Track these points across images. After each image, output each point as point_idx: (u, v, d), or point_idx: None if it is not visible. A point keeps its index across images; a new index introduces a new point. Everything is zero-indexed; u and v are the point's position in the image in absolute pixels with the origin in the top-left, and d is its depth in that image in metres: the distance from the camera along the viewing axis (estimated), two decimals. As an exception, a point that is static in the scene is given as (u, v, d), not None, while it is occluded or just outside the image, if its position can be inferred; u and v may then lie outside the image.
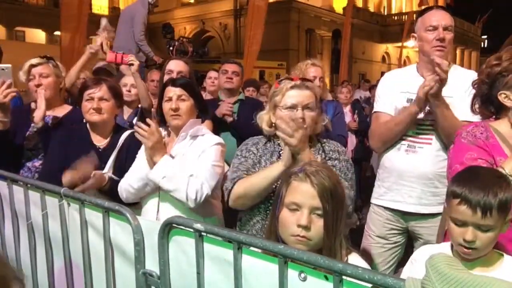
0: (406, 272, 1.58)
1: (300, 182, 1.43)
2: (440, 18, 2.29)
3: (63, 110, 2.90)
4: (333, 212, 1.40)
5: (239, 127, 3.20)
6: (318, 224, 1.40)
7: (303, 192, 1.41)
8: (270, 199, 1.82)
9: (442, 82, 2.03)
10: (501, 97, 1.73)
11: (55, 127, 2.68)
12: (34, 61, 2.82)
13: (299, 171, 1.45)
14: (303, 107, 1.87)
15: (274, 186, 1.80)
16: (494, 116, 1.84)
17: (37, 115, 2.63)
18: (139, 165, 2.18)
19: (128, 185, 2.17)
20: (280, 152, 1.96)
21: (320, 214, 1.40)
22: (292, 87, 1.91)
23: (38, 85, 2.75)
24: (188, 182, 2.03)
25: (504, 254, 1.47)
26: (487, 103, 1.83)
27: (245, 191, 1.85)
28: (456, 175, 1.47)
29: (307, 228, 1.39)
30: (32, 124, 2.68)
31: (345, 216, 1.47)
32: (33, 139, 2.70)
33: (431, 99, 2.12)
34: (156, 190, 2.18)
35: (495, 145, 1.71)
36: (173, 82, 2.29)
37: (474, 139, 1.73)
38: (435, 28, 2.27)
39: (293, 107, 1.87)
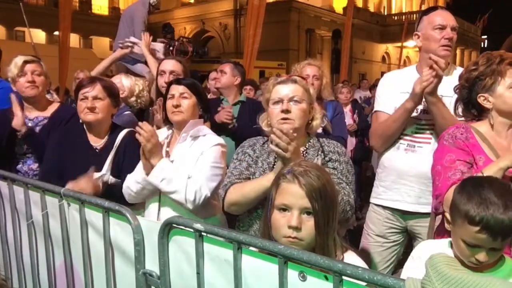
0: (408, 268, 1.58)
1: (288, 183, 1.43)
2: (448, 18, 2.30)
3: (51, 109, 2.90)
4: (324, 211, 1.40)
5: (239, 134, 3.16)
6: (309, 224, 1.40)
7: (291, 193, 1.41)
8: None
9: (438, 78, 2.06)
10: (480, 100, 1.82)
11: (46, 127, 2.69)
12: (28, 57, 2.81)
13: (287, 173, 1.45)
14: (288, 99, 1.89)
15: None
16: (476, 118, 1.91)
17: (16, 122, 2.63)
18: (138, 168, 2.19)
19: (127, 187, 2.20)
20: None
21: (311, 214, 1.40)
22: (278, 83, 1.95)
23: (31, 82, 2.74)
24: (186, 184, 2.05)
25: (506, 257, 1.46)
26: (469, 106, 1.90)
27: (237, 199, 1.89)
28: (464, 193, 1.38)
29: (297, 229, 1.39)
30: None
31: (337, 214, 1.47)
32: (21, 144, 2.70)
33: (427, 97, 2.14)
34: (157, 194, 2.18)
35: (475, 145, 1.78)
36: (177, 81, 2.33)
37: (454, 141, 1.80)
38: (443, 27, 2.27)
39: (279, 101, 1.90)
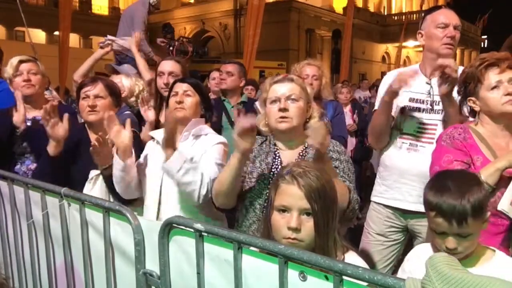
0: (404, 270, 1.60)
1: (287, 184, 1.43)
2: (451, 16, 2.30)
3: None
4: (323, 212, 1.40)
5: None
6: (308, 225, 1.40)
7: (290, 195, 1.42)
8: (266, 200, 1.82)
9: (454, 81, 2.03)
10: (470, 103, 1.87)
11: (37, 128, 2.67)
12: (23, 57, 2.84)
13: (286, 174, 1.45)
14: (285, 98, 1.89)
15: (267, 188, 1.79)
16: None
17: (17, 118, 2.63)
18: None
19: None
20: (276, 152, 1.96)
21: (310, 215, 1.40)
22: (275, 82, 1.96)
23: (27, 81, 2.76)
24: (202, 176, 2.02)
25: (496, 250, 1.48)
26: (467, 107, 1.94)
27: (217, 188, 1.89)
28: (429, 183, 1.52)
29: (297, 230, 1.39)
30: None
31: (337, 214, 1.47)
32: (19, 143, 2.69)
33: (444, 99, 2.15)
34: (157, 194, 2.17)
35: (473, 145, 1.81)
36: (181, 79, 2.35)
37: (452, 141, 1.83)
38: (446, 26, 2.27)
39: (276, 100, 1.91)
